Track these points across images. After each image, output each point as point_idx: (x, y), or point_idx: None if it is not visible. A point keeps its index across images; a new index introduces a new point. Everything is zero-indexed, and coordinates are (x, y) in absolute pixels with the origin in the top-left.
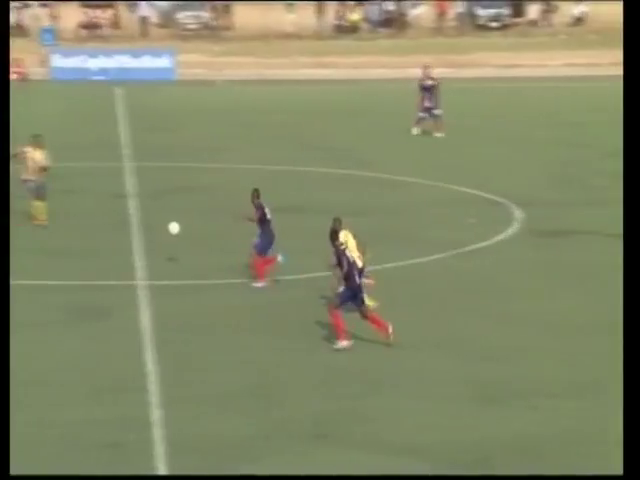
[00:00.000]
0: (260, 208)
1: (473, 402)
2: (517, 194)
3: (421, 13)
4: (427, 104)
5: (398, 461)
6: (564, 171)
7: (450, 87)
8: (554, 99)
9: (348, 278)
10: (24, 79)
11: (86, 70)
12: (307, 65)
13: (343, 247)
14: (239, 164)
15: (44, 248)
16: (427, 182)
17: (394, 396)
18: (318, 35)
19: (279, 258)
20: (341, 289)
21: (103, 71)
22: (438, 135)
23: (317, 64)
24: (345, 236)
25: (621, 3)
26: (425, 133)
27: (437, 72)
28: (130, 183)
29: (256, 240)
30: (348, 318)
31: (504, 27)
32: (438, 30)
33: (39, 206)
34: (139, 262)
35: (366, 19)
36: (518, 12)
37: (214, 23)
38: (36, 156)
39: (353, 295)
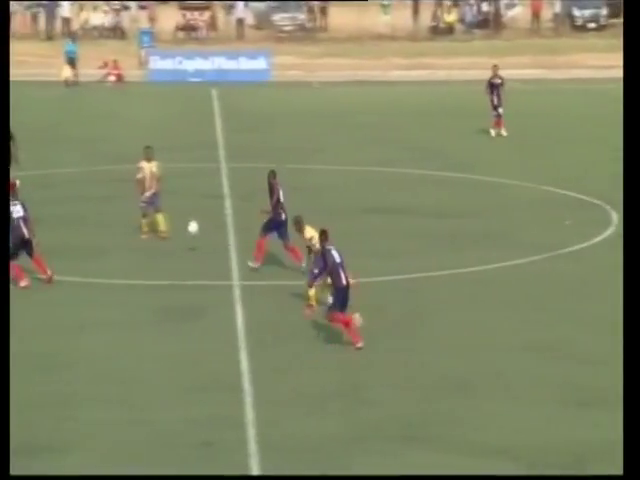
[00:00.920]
0: (275, 189)
1: (566, 405)
2: (613, 196)
3: (517, 14)
4: (495, 102)
5: (490, 463)
6: None
7: (546, 88)
8: None
9: (334, 278)
10: (121, 80)
11: (183, 72)
12: (402, 66)
13: (313, 242)
14: (333, 165)
15: (140, 248)
16: (520, 183)
17: (486, 398)
18: (413, 36)
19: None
20: (330, 298)
21: (199, 73)
22: (503, 134)
23: (412, 65)
24: (309, 232)
25: None
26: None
27: (533, 73)
28: (226, 184)
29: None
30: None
31: (601, 28)
32: (534, 31)
33: (160, 218)
34: (234, 262)
35: (462, 20)
36: (615, 12)
37: (310, 25)
38: (151, 168)
39: (345, 296)
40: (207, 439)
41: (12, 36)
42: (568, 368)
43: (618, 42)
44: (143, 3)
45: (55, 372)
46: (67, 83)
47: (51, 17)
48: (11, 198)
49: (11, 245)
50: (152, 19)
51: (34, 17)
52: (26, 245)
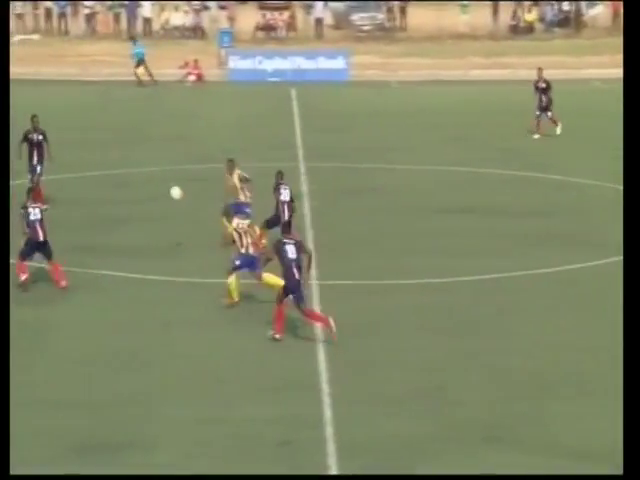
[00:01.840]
0: (277, 189)
1: None
2: None
3: (598, 13)
4: (543, 104)
5: (574, 465)
6: None
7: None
8: None
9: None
10: (201, 80)
11: (262, 71)
12: (481, 66)
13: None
14: (412, 165)
15: (219, 247)
16: (601, 183)
17: (569, 400)
18: (492, 35)
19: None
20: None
21: (278, 72)
22: (536, 137)
23: (491, 65)
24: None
25: None
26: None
27: (613, 72)
28: (303, 183)
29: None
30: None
31: None
32: (615, 30)
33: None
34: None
35: (542, 19)
36: None
37: (389, 24)
38: (235, 179)
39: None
40: (286, 438)
41: (93, 36)
42: None
43: None
44: (223, 3)
45: (139, 369)
46: (142, 83)
47: (132, 17)
48: (31, 201)
49: (26, 246)
50: (231, 19)
51: (116, 17)
52: (42, 247)
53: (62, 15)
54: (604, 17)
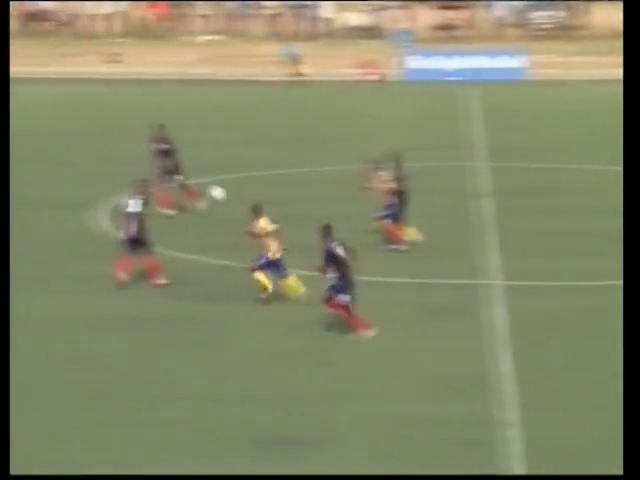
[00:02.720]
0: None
1: None
2: None
3: None
4: None
5: None
6: None
7: None
8: None
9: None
10: (381, 80)
11: (442, 71)
12: None
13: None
14: (591, 165)
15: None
16: None
17: None
18: None
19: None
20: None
21: (459, 72)
22: None
23: None
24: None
25: None
26: None
27: None
28: (484, 183)
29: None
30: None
31: None
32: None
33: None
34: (493, 262)
35: None
36: None
37: (569, 22)
38: (383, 180)
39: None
40: (465, 438)
41: (274, 37)
42: None
43: None
44: (402, 3)
45: (313, 368)
46: (295, 82)
47: (312, 17)
48: (134, 193)
49: (122, 239)
50: (410, 18)
51: (297, 17)
52: (136, 244)
53: (242, 16)
54: None
